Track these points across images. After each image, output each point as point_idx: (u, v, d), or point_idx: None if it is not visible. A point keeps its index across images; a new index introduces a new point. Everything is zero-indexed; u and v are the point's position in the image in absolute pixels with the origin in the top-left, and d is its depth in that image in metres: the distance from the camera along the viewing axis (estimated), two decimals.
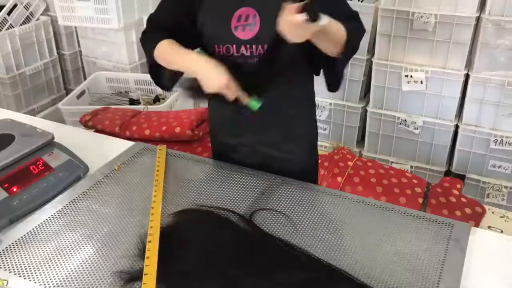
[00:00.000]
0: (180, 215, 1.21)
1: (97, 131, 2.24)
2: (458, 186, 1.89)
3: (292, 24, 1.08)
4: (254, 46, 1.29)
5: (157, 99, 3.04)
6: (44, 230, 1.17)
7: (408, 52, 2.33)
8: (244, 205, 1.25)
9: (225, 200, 1.27)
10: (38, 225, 1.19)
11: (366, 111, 2.58)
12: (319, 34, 1.12)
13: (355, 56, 2.38)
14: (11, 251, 1.11)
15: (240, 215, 1.21)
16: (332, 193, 1.31)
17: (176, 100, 2.80)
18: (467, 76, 2.28)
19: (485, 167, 2.38)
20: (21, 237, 1.15)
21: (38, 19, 3.24)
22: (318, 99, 2.60)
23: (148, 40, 1.37)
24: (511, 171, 2.34)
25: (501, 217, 1.81)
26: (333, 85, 1.36)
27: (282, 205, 1.26)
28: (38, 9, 3.25)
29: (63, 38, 3.40)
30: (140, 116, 2.35)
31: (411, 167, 2.53)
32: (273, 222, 1.19)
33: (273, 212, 1.23)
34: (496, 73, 2.19)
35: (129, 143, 1.60)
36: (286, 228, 1.17)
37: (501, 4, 2.07)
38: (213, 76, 1.20)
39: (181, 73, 1.34)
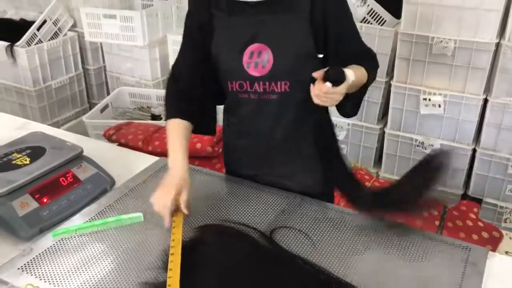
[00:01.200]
0: (202, 229, 1.25)
1: (120, 145, 2.30)
2: (475, 210, 1.90)
3: (323, 93, 1.15)
4: (267, 83, 1.29)
5: None
6: (72, 241, 1.22)
7: (426, 76, 2.36)
8: (264, 222, 1.29)
9: (246, 217, 1.31)
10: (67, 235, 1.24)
11: (383, 132, 2.61)
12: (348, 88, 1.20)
13: None
14: (41, 260, 1.16)
15: (260, 232, 1.25)
16: (351, 213, 1.34)
17: None
18: (485, 101, 2.30)
19: (502, 192, 2.38)
20: (51, 246, 1.20)
21: (65, 34, 3.35)
22: (336, 119, 2.64)
23: (169, 100, 1.40)
24: None
25: None
26: (347, 113, 1.39)
27: (302, 223, 1.29)
28: (66, 25, 3.36)
29: (88, 54, 3.50)
30: (162, 131, 2.41)
31: None
32: (293, 240, 1.22)
33: (293, 230, 1.26)
34: None
35: (153, 158, 1.65)
36: (306, 246, 1.20)
37: None
38: (158, 197, 1.23)
39: None
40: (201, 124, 1.41)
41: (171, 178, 1.25)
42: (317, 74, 1.17)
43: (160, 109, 3.10)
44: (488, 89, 2.30)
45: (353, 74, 1.20)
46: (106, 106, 3.12)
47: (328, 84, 1.14)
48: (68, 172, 1.39)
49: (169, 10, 3.22)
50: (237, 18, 1.27)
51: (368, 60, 1.32)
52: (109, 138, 2.40)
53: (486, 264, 1.13)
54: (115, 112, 3.19)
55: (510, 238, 1.84)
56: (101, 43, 3.43)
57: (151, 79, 3.23)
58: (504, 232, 1.85)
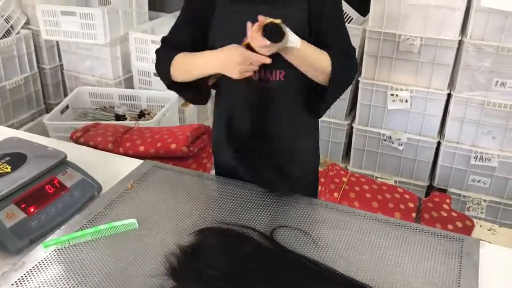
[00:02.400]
0: (202, 233, 1.23)
1: (89, 147, 2.22)
2: (448, 201, 1.99)
3: (261, 47, 1.19)
4: (263, 70, 1.32)
5: (142, 114, 3.03)
6: (66, 251, 1.17)
7: (393, 72, 2.43)
8: (262, 222, 1.29)
9: (242, 218, 1.30)
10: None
11: (351, 127, 2.67)
12: (290, 53, 1.23)
13: None
14: (36, 274, 1.10)
15: (260, 232, 1.24)
16: (345, 210, 1.36)
17: (164, 115, 2.81)
18: (449, 96, 2.40)
19: (465, 182, 2.50)
20: (44, 258, 1.15)
21: (18, 32, 3.18)
22: None
23: (163, 58, 1.39)
24: (489, 185, 2.47)
25: (488, 230, 1.91)
26: (313, 110, 1.41)
27: (300, 222, 1.30)
28: (19, 22, 3.19)
29: (43, 52, 3.34)
30: (132, 132, 2.35)
31: (395, 182, 2.63)
32: (293, 239, 1.23)
33: (292, 229, 1.27)
34: (476, 93, 2.32)
35: (136, 161, 1.61)
36: (307, 245, 1.21)
37: (481, 29, 2.20)
38: (229, 59, 1.24)
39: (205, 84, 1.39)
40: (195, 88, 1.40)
41: (220, 54, 1.27)
42: (256, 26, 1.18)
43: (124, 109, 3.01)
44: (451, 84, 2.40)
45: (307, 45, 1.25)
46: (66, 107, 3.00)
47: (266, 41, 1.17)
48: (53, 179, 1.33)
49: (129, 7, 3.13)
50: (238, 6, 1.29)
51: (341, 55, 1.31)
52: (76, 140, 2.31)
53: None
54: (76, 113, 3.08)
55: (480, 226, 1.93)
56: (57, 42, 3.29)
57: (112, 78, 3.14)
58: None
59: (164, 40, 1.44)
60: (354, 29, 2.46)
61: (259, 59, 1.22)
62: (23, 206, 1.23)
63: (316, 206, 1.37)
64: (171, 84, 1.39)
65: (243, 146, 1.37)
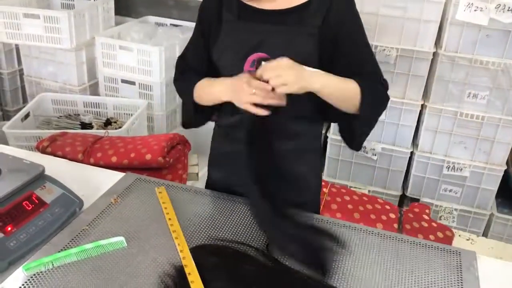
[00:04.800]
0: (196, 252, 1.16)
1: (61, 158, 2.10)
2: (427, 211, 2.00)
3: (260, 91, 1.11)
4: None
5: (108, 123, 2.91)
6: (49, 274, 1.08)
7: None
8: (255, 237, 1.24)
9: (235, 233, 1.25)
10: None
11: (326, 137, 2.66)
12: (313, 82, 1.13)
13: None
14: None
15: (257, 248, 1.19)
16: (341, 224, 1.33)
17: (133, 124, 2.71)
18: (423, 107, 2.44)
19: (437, 191, 2.54)
20: (25, 283, 1.05)
21: None
22: None
23: (185, 82, 1.34)
24: (460, 194, 2.52)
25: (467, 239, 1.94)
26: (353, 144, 1.34)
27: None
28: None
29: (1, 56, 3.16)
30: (103, 141, 2.24)
31: (369, 191, 2.64)
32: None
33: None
34: (449, 104, 2.37)
35: (116, 174, 1.52)
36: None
37: (455, 41, 2.25)
38: (236, 88, 1.17)
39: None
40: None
41: (229, 81, 1.21)
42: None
43: (90, 117, 2.88)
44: (425, 95, 2.44)
45: (330, 77, 1.16)
46: (27, 115, 2.84)
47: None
48: (31, 195, 1.22)
49: (95, 11, 3.01)
50: (245, 23, 1.22)
51: (371, 82, 1.22)
52: (43, 150, 2.18)
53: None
54: (38, 121, 2.92)
55: (459, 236, 1.96)
56: (17, 45, 3.12)
57: (77, 84, 3.00)
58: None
59: (178, 64, 1.40)
60: None
61: (265, 87, 1.12)
62: None
63: (315, 221, 1.34)
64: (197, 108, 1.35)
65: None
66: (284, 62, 1.12)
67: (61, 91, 3.04)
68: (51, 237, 1.19)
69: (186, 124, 1.49)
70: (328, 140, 2.62)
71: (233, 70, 1.23)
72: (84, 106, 2.98)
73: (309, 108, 1.28)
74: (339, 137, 2.54)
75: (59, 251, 1.14)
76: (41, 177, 1.28)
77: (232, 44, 1.24)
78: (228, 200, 1.39)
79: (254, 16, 1.22)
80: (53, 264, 1.10)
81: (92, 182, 1.47)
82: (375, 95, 1.24)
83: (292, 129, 1.31)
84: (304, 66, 1.14)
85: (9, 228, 1.13)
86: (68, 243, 1.17)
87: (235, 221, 1.30)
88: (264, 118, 1.16)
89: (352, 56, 1.23)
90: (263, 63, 1.14)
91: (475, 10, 2.08)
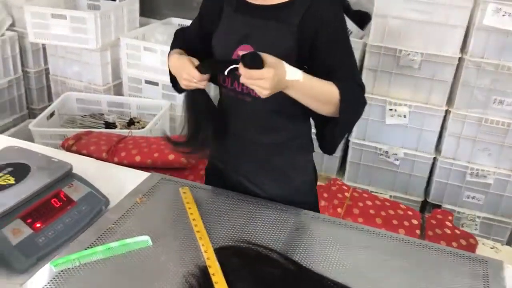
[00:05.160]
0: (219, 253, 1.17)
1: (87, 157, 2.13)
2: (450, 218, 1.98)
3: (247, 78, 1.12)
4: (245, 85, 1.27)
5: (131, 122, 2.95)
6: (76, 271, 1.09)
7: (392, 87, 2.43)
8: (276, 240, 1.24)
9: (258, 236, 1.25)
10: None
11: (347, 141, 2.65)
12: (292, 87, 1.16)
13: None
14: None
15: (279, 252, 1.19)
16: (364, 229, 1.33)
17: (156, 124, 2.73)
18: (447, 112, 2.41)
19: (460, 198, 2.51)
20: (53, 279, 1.07)
21: (3, 34, 3.06)
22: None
23: (171, 47, 1.42)
24: (483, 202, 2.48)
25: (491, 248, 1.91)
26: (326, 148, 1.36)
27: (318, 241, 1.26)
28: (4, 24, 3.07)
29: (29, 55, 3.23)
30: (127, 141, 2.27)
31: (389, 196, 2.62)
32: (312, 259, 1.18)
33: (310, 249, 1.23)
34: (474, 110, 2.34)
35: (139, 173, 1.54)
36: (327, 265, 1.17)
37: (481, 47, 2.22)
38: (179, 71, 1.26)
39: None
40: None
41: (177, 59, 1.28)
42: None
43: (113, 117, 2.92)
44: (450, 101, 2.41)
45: (310, 78, 1.18)
46: (52, 113, 2.89)
47: (244, 69, 1.12)
48: (59, 192, 1.25)
49: (120, 12, 3.06)
50: (239, 16, 1.29)
51: (348, 88, 1.22)
52: (68, 148, 2.22)
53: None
54: (62, 120, 2.97)
55: (483, 244, 1.93)
56: (43, 45, 3.18)
57: (101, 84, 3.05)
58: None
59: (176, 34, 1.47)
60: (354, 42, 2.43)
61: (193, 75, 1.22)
62: (29, 221, 1.15)
63: (336, 226, 1.34)
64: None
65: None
66: (267, 74, 1.11)
67: (85, 90, 3.09)
68: (78, 234, 1.21)
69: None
70: (350, 144, 2.61)
71: (222, 58, 1.30)
72: (107, 106, 3.03)
73: (288, 104, 1.27)
74: (361, 141, 2.55)
75: (86, 249, 1.15)
76: (69, 175, 1.30)
77: (225, 35, 1.31)
78: (250, 202, 1.40)
79: (248, 10, 1.27)
80: (79, 261, 1.11)
81: (117, 181, 1.49)
82: (354, 100, 1.24)
83: (269, 122, 1.34)
84: (286, 72, 1.15)
85: (38, 225, 1.16)
86: (94, 241, 1.18)
87: (257, 223, 1.30)
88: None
89: (330, 57, 1.24)
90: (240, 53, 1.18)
91: (503, 15, 2.06)
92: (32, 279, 1.06)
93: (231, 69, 1.18)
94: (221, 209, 1.37)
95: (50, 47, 3.11)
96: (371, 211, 1.94)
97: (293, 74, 1.16)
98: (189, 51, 1.35)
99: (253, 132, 1.36)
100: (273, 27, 1.25)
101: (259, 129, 1.35)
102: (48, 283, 1.05)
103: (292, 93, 1.18)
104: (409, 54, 2.31)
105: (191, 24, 1.46)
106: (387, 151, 2.54)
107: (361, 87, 1.27)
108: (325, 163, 2.74)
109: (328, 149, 1.37)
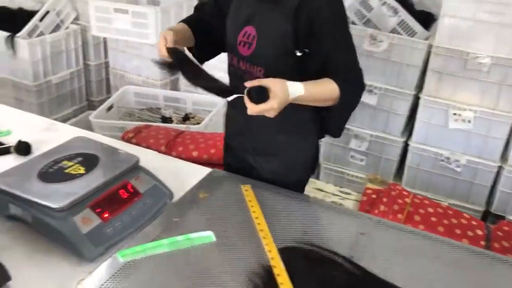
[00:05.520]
0: (285, 252, 1.15)
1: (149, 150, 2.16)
2: None
3: (254, 112, 1.18)
4: (248, 64, 1.37)
5: (187, 118, 2.98)
6: (143, 263, 1.10)
7: (457, 90, 2.33)
8: (342, 244, 1.21)
9: (322, 239, 1.22)
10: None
11: (406, 145, 2.57)
12: (296, 99, 1.22)
13: (400, 90, 2.41)
14: (112, 285, 1.03)
15: (343, 256, 1.16)
16: (427, 236, 1.28)
17: (211, 120, 2.75)
18: None
19: None
20: (121, 269, 1.08)
21: (67, 27, 3.16)
22: (358, 130, 2.60)
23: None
24: None
25: None
26: (331, 131, 1.44)
27: (381, 246, 1.22)
28: (69, 17, 3.17)
29: (90, 48, 3.31)
30: (184, 136, 2.29)
31: (449, 204, 2.52)
32: (376, 264, 1.14)
33: (374, 254, 1.19)
34: None
35: (201, 168, 1.54)
36: (391, 271, 1.12)
37: None
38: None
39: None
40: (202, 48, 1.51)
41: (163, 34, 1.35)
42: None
43: (170, 111, 2.96)
44: None
45: (311, 86, 1.25)
46: (111, 106, 2.96)
47: (252, 105, 1.18)
48: (127, 184, 1.26)
49: (180, 8, 3.08)
50: (244, 0, 1.36)
51: (346, 79, 1.30)
52: (127, 141, 2.26)
53: None
54: (120, 112, 3.04)
55: None
56: (105, 39, 3.26)
57: (159, 79, 3.09)
58: None
59: (196, 7, 1.56)
60: (419, 43, 2.37)
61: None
62: (98, 211, 1.17)
63: (401, 232, 1.29)
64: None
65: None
66: (274, 106, 1.17)
67: (143, 84, 3.14)
68: (143, 226, 1.22)
69: None
70: (409, 148, 2.53)
71: (232, 38, 1.39)
72: (164, 101, 3.07)
73: None
74: (422, 146, 2.46)
75: (151, 241, 1.16)
76: (136, 168, 1.32)
77: (234, 15, 1.39)
78: (313, 203, 1.37)
79: None
80: (146, 253, 1.12)
81: (179, 174, 1.49)
82: (353, 95, 1.33)
83: None
84: (290, 93, 1.21)
85: (106, 215, 1.17)
86: (159, 234, 1.19)
87: (319, 225, 1.28)
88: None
89: (326, 44, 1.28)
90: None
91: None
92: (100, 268, 1.08)
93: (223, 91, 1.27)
94: (282, 208, 1.35)
95: (111, 41, 3.18)
96: (433, 219, 1.86)
97: (295, 91, 1.22)
98: (201, 28, 1.46)
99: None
100: (271, 10, 1.31)
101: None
102: (116, 273, 1.06)
103: (295, 102, 1.25)
104: (477, 57, 2.21)
105: (207, 4, 1.52)
106: (448, 157, 2.44)
107: (358, 74, 1.33)
108: (381, 166, 2.67)
109: (331, 133, 1.45)
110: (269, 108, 1.17)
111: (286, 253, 1.14)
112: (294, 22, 1.27)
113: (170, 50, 1.31)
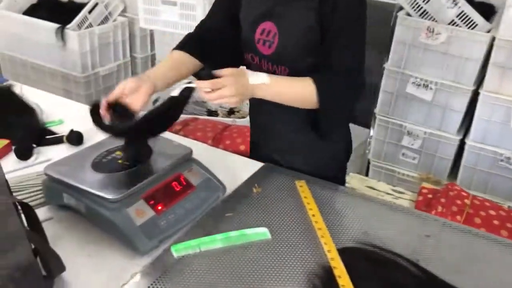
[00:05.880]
0: (346, 253, 1.08)
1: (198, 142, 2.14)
2: None
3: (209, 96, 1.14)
4: (270, 64, 1.30)
5: (231, 112, 2.94)
6: (196, 257, 1.06)
7: None
8: (405, 246, 1.13)
9: (383, 239, 1.14)
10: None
11: (462, 143, 2.44)
12: (260, 90, 1.19)
13: (457, 85, 2.29)
14: (167, 279, 0.99)
15: (407, 259, 1.08)
16: (490, 238, 1.18)
17: None
18: None
19: None
20: (175, 263, 1.04)
21: (115, 19, 3.18)
22: (411, 127, 2.49)
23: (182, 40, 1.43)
24: None
25: None
26: (317, 132, 1.36)
27: (448, 250, 1.14)
28: (117, 10, 3.19)
29: (137, 41, 3.33)
30: (231, 129, 2.25)
31: (508, 207, 2.37)
32: (444, 269, 1.06)
33: (440, 258, 1.10)
34: None
35: (254, 162, 1.48)
36: (460, 277, 1.04)
37: None
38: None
39: None
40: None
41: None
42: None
43: (216, 105, 2.93)
44: None
45: (280, 78, 1.23)
46: (156, 99, 2.95)
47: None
48: (179, 176, 1.22)
49: None
50: None
51: (334, 76, 1.23)
52: (175, 133, 2.24)
53: None
54: None
55: None
56: (151, 31, 3.26)
57: None
58: None
59: (199, 24, 1.46)
60: (480, 36, 2.23)
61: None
62: (151, 202, 1.13)
63: (467, 235, 1.20)
64: None
65: None
66: (227, 82, 1.13)
67: (188, 78, 3.11)
68: (196, 220, 1.18)
69: None
70: (466, 147, 2.40)
71: (248, 36, 1.30)
72: None
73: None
74: (480, 145, 2.33)
75: (204, 236, 1.12)
76: (189, 160, 1.28)
77: (249, 10, 1.30)
78: (372, 201, 1.30)
79: None
80: (200, 248, 1.08)
81: (230, 168, 1.45)
82: (335, 92, 1.24)
83: None
84: (249, 79, 1.18)
85: (160, 207, 1.14)
86: (212, 229, 1.15)
87: (380, 225, 1.20)
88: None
89: (333, 39, 1.22)
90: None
91: None
92: (154, 262, 1.04)
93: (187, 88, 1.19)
94: (339, 206, 1.29)
95: (157, 33, 3.17)
96: (495, 222, 1.75)
97: (256, 78, 1.18)
98: (209, 40, 1.37)
99: (279, 111, 1.32)
100: (293, 5, 1.22)
101: (286, 109, 1.29)
102: (170, 267, 1.02)
103: (262, 95, 1.21)
104: None
105: (208, 17, 1.44)
106: (509, 157, 2.30)
107: (352, 75, 1.23)
108: (435, 165, 2.55)
109: (319, 134, 1.37)
110: (225, 84, 1.12)
111: (347, 254, 1.08)
112: (319, 15, 1.20)
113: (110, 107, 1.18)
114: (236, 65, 1.38)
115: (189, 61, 1.35)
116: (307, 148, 1.42)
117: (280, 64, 1.28)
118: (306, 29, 1.22)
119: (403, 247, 1.12)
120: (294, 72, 1.26)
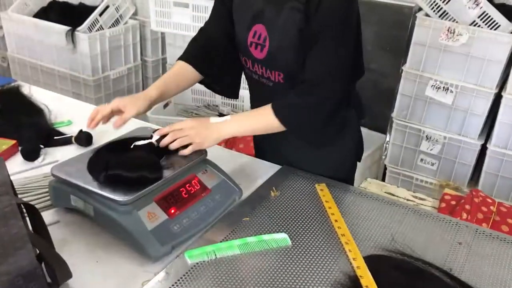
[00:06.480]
0: (371, 261, 1.01)
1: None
2: None
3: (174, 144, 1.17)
4: (264, 68, 1.25)
5: None
6: (211, 264, 0.99)
7: None
8: (437, 255, 1.05)
9: (413, 247, 1.06)
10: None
11: (485, 148, 2.35)
12: (224, 129, 1.20)
13: (479, 88, 2.20)
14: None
15: (439, 268, 1.00)
16: None
17: None
18: None
19: None
20: (189, 271, 0.97)
21: (126, 22, 3.13)
22: (430, 131, 2.40)
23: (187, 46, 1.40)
24: None
25: None
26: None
27: (483, 259, 1.05)
28: (128, 12, 3.14)
29: (148, 44, 3.28)
30: None
31: None
32: (478, 280, 0.98)
33: (475, 268, 1.02)
34: None
35: (271, 165, 1.41)
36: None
37: None
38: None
39: None
40: (219, 80, 1.39)
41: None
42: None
43: (228, 109, 2.87)
44: None
45: (239, 115, 1.27)
46: (168, 102, 2.91)
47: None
48: (194, 178, 1.15)
49: None
50: None
51: (291, 101, 1.19)
52: None
53: None
54: (177, 109, 2.97)
55: None
56: (162, 34, 3.21)
57: None
58: None
59: (200, 29, 1.40)
60: (503, 37, 2.15)
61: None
62: (164, 206, 1.06)
63: (498, 240, 1.11)
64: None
65: None
66: (184, 125, 1.18)
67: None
68: (211, 224, 1.11)
69: None
70: (488, 152, 2.31)
71: (241, 38, 1.26)
72: (221, 98, 2.98)
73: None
74: (503, 150, 2.24)
75: (221, 241, 1.05)
76: (203, 161, 1.21)
77: (240, 12, 1.26)
78: (397, 205, 1.22)
79: None
80: (215, 255, 1.01)
81: (246, 170, 1.38)
82: (295, 116, 1.21)
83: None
84: (210, 119, 1.20)
85: (173, 211, 1.07)
86: (229, 234, 1.07)
87: (408, 232, 1.12)
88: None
89: (311, 46, 1.16)
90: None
91: None
92: (166, 269, 0.97)
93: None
94: (363, 211, 1.21)
95: (169, 36, 3.12)
96: None
97: (217, 118, 1.20)
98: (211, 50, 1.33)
99: None
100: (281, 6, 1.16)
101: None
102: (184, 275, 0.95)
103: (229, 132, 1.21)
104: None
105: (208, 23, 1.38)
106: None
107: (319, 85, 1.17)
108: (455, 171, 2.46)
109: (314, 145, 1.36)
110: (182, 127, 1.17)
111: (374, 262, 1.00)
112: (305, 16, 1.13)
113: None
114: (235, 75, 1.40)
115: (191, 72, 1.35)
116: (314, 152, 1.37)
117: (274, 69, 1.22)
118: (296, 32, 1.15)
119: (433, 255, 1.05)
120: (290, 76, 1.21)
